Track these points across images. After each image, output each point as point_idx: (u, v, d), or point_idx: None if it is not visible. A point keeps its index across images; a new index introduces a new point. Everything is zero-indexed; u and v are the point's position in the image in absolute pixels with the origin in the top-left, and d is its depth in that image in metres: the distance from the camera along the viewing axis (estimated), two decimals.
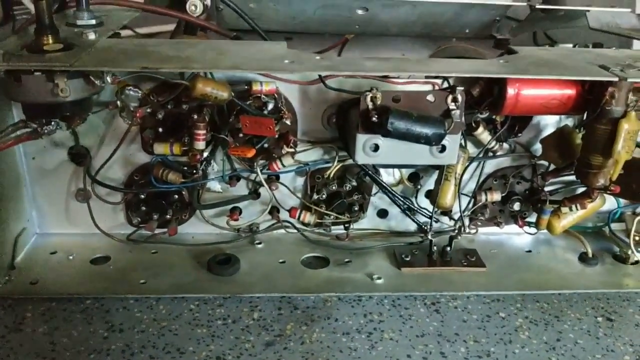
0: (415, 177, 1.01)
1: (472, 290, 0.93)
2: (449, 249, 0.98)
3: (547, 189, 1.01)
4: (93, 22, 0.90)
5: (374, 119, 0.81)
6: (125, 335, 0.81)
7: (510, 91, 0.84)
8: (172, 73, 0.86)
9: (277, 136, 0.91)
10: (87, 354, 0.78)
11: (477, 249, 1.01)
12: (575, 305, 0.91)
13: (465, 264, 0.98)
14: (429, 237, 0.99)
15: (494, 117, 0.93)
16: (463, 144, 0.95)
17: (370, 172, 0.97)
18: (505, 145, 0.99)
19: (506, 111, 0.87)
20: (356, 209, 1.00)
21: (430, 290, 0.92)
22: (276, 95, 0.91)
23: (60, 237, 1.00)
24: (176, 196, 0.98)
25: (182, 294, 0.89)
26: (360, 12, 1.12)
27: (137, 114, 0.89)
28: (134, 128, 0.93)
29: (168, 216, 0.99)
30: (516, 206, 1.02)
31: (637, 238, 1.03)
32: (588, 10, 1.11)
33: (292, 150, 0.93)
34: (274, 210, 1.01)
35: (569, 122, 0.98)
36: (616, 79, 0.79)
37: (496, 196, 1.00)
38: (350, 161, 0.95)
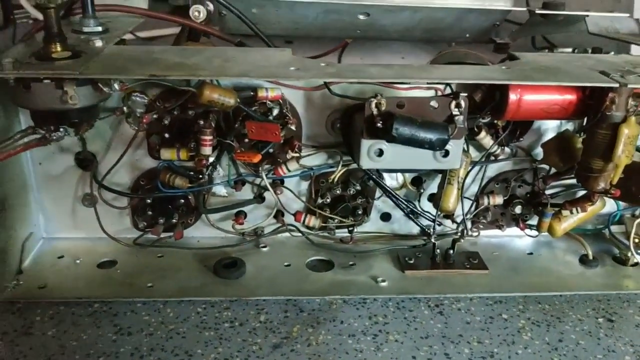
0: (418, 181, 1.03)
1: (475, 292, 0.94)
2: (451, 251, 0.99)
3: (548, 192, 1.02)
4: (99, 29, 0.92)
5: (378, 124, 0.82)
6: (133, 339, 0.82)
7: (513, 97, 0.85)
8: (179, 80, 0.87)
9: (282, 141, 0.92)
10: (97, 357, 0.79)
11: (480, 252, 1.02)
12: (576, 306, 0.92)
13: (467, 266, 0.99)
14: (432, 240, 1.00)
15: (495, 121, 0.94)
16: (465, 148, 0.96)
17: (374, 176, 0.98)
18: (507, 150, 1.00)
19: (508, 116, 0.88)
20: (360, 212, 1.02)
21: (434, 292, 0.93)
22: (281, 101, 0.92)
23: (67, 242, 1.01)
24: (182, 200, 0.99)
25: (189, 297, 0.90)
26: (362, 17, 1.13)
27: (144, 120, 0.90)
28: (140, 134, 0.94)
29: (174, 220, 1.00)
30: (518, 209, 1.03)
31: (636, 240, 1.04)
32: (587, 15, 1.13)
33: (297, 155, 0.94)
34: (279, 214, 1.02)
35: (570, 126, 0.99)
36: (617, 85, 0.80)
37: (498, 199, 1.02)
38: (354, 165, 0.96)
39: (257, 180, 1.00)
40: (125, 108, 0.90)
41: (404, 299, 0.92)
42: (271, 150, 0.94)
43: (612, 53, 1.06)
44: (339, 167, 0.97)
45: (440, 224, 1.03)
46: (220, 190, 0.99)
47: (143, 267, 0.96)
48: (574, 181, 0.97)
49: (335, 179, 0.98)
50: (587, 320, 0.89)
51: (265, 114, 0.91)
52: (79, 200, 1.00)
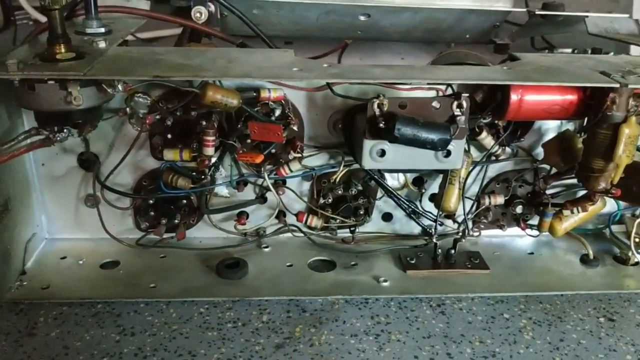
0: (420, 181, 1.03)
1: (477, 292, 0.94)
2: (453, 251, 0.99)
3: (548, 192, 1.03)
4: (102, 30, 0.92)
5: (381, 125, 0.82)
6: (137, 339, 0.82)
7: (514, 97, 0.86)
8: (182, 81, 0.87)
9: (284, 142, 0.92)
10: (100, 357, 0.79)
11: (481, 252, 1.02)
12: (577, 306, 0.93)
13: (469, 266, 0.99)
14: (434, 240, 1.00)
15: (496, 122, 0.95)
16: (467, 148, 0.96)
17: (375, 176, 0.98)
18: (508, 150, 1.01)
19: (509, 116, 0.88)
20: (362, 212, 1.02)
21: (436, 292, 0.94)
22: (283, 102, 0.92)
23: (69, 242, 1.01)
24: (184, 201, 1.00)
25: (192, 297, 0.90)
26: (362, 18, 1.14)
27: (147, 121, 0.90)
28: (143, 134, 0.94)
29: (176, 221, 1.00)
30: (518, 209, 1.04)
31: (637, 240, 1.04)
32: (587, 16, 1.13)
33: (299, 155, 0.94)
34: (281, 215, 1.03)
35: (570, 126, 1.00)
36: (617, 85, 0.80)
37: (499, 199, 1.02)
38: (355, 166, 0.96)
39: (259, 181, 1.00)
40: (128, 109, 0.91)
41: (406, 298, 0.92)
42: (273, 151, 0.95)
43: (612, 53, 1.07)
44: (341, 168, 0.97)
45: (441, 224, 1.03)
46: (222, 190, 0.99)
47: (146, 268, 0.96)
48: (574, 181, 0.98)
49: (337, 179, 0.99)
50: (588, 320, 0.90)
51: (267, 114, 0.92)
52: (82, 201, 1.00)
